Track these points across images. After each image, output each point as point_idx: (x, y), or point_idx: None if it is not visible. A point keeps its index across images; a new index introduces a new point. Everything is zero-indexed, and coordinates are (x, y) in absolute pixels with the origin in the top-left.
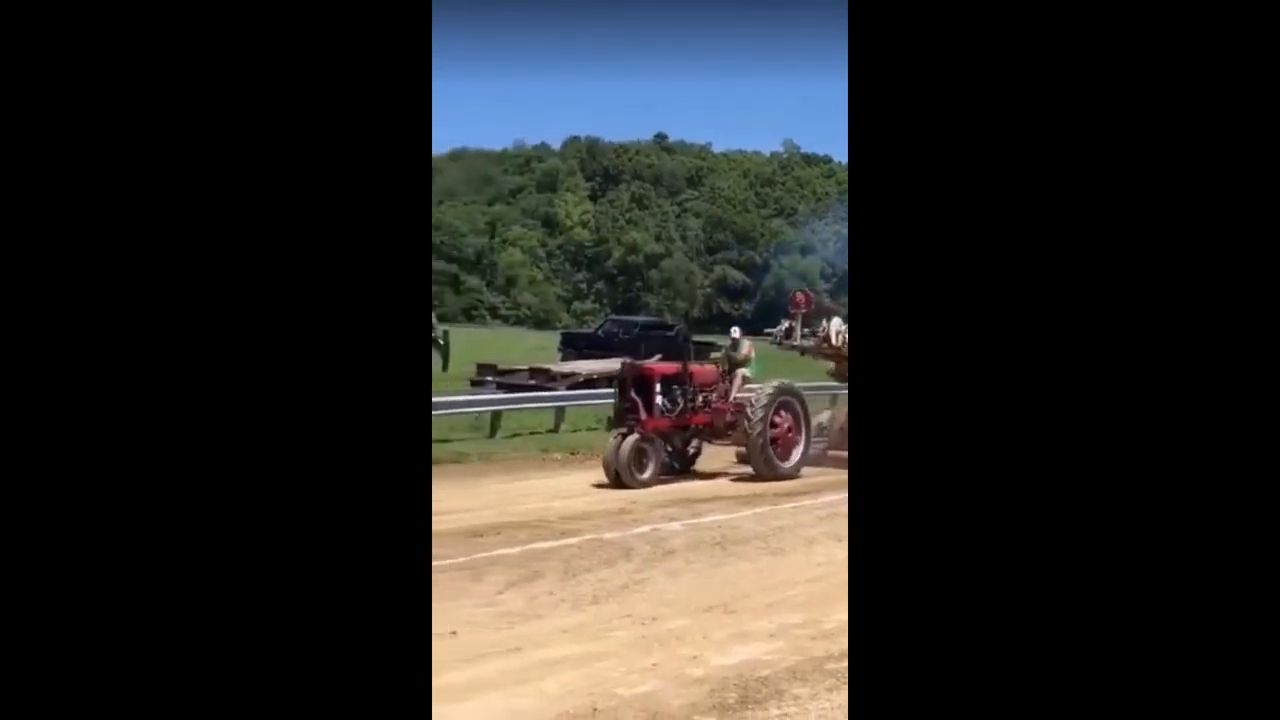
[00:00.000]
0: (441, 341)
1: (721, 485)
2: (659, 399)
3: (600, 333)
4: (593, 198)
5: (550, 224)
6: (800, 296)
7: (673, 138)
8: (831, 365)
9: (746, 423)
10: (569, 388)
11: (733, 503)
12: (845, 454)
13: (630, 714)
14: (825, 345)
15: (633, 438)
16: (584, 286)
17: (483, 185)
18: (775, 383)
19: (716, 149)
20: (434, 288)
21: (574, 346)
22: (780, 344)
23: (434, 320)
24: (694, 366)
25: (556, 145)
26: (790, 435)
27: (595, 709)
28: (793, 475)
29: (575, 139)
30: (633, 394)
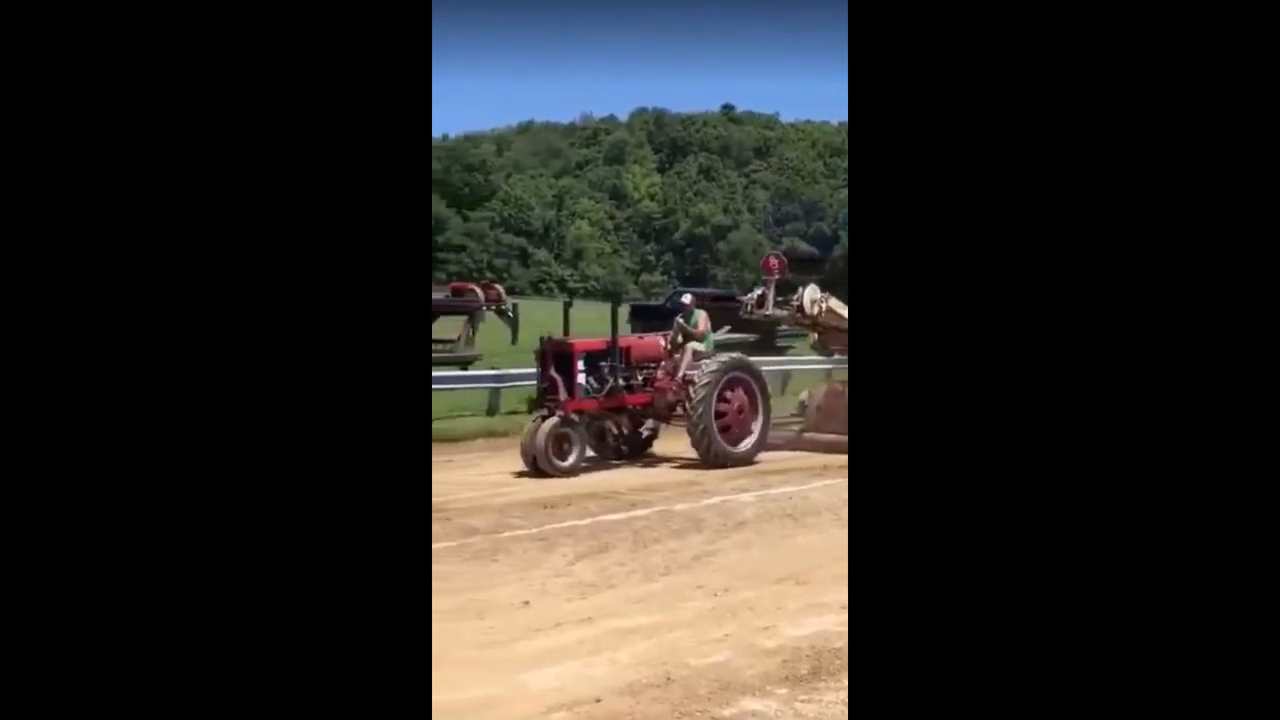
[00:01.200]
0: (511, 315)
1: (779, 458)
2: (581, 377)
3: (668, 305)
4: (660, 170)
5: (618, 196)
6: (774, 261)
7: (740, 108)
8: (813, 337)
9: (688, 402)
10: None
11: (804, 474)
12: (825, 436)
13: (703, 684)
14: (799, 315)
15: (552, 421)
16: (652, 259)
17: (550, 158)
18: (724, 357)
19: (785, 119)
20: (503, 260)
21: (643, 319)
22: (751, 314)
23: (502, 293)
24: (633, 340)
25: (624, 117)
26: (742, 416)
27: (669, 678)
28: (745, 461)
29: (642, 110)
30: (552, 372)
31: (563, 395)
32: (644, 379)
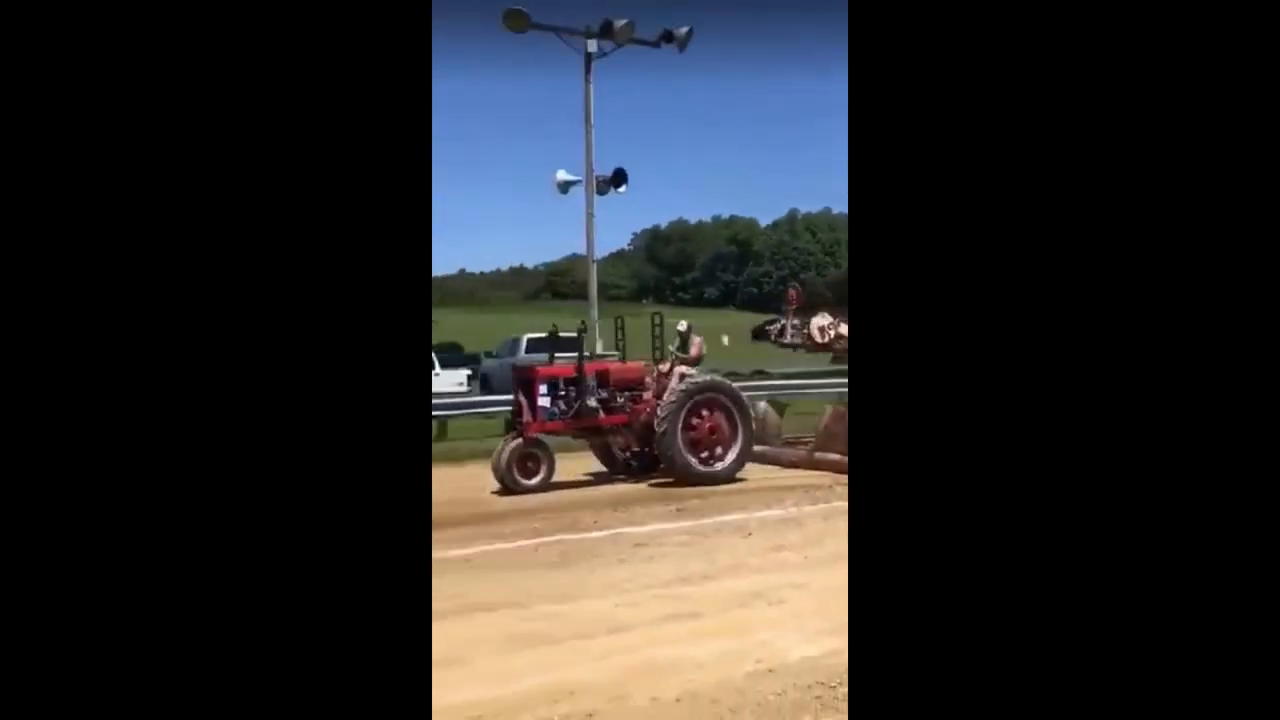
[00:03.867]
0: None
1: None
2: (543, 400)
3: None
4: None
5: None
6: (791, 292)
7: None
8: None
9: (657, 423)
10: None
11: None
12: (831, 456)
13: None
14: (808, 341)
15: (516, 442)
16: None
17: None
18: (696, 379)
19: None
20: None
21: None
22: (774, 343)
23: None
24: (614, 364)
25: None
26: (715, 436)
27: None
28: (725, 480)
29: None
30: (520, 397)
31: (527, 418)
32: (629, 399)
